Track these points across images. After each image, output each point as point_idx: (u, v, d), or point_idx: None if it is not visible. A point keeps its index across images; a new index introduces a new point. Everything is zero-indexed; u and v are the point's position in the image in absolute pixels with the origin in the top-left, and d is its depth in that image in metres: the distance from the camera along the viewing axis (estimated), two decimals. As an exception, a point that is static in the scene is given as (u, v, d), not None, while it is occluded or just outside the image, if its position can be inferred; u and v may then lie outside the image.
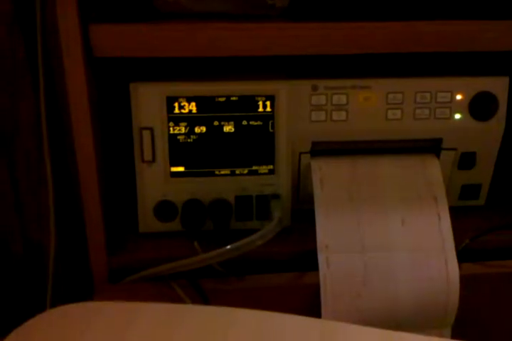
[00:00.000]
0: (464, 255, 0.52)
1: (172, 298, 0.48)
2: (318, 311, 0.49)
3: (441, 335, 0.51)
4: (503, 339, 0.56)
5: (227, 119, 0.52)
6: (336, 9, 0.51)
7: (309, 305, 0.49)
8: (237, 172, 0.53)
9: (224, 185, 0.53)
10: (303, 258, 0.52)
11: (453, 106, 0.54)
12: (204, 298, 0.48)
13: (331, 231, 0.51)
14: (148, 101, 0.50)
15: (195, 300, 0.48)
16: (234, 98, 0.51)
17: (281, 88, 0.51)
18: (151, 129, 0.51)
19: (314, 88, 0.52)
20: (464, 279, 0.50)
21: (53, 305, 0.40)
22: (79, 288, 0.59)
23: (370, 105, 0.53)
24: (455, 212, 0.53)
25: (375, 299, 0.49)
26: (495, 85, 0.54)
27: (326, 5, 0.51)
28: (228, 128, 0.52)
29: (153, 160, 0.52)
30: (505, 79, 0.54)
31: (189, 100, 0.51)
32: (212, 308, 0.38)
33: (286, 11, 0.52)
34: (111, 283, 0.51)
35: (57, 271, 0.57)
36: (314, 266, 0.49)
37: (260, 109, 0.52)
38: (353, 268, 0.50)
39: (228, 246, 0.47)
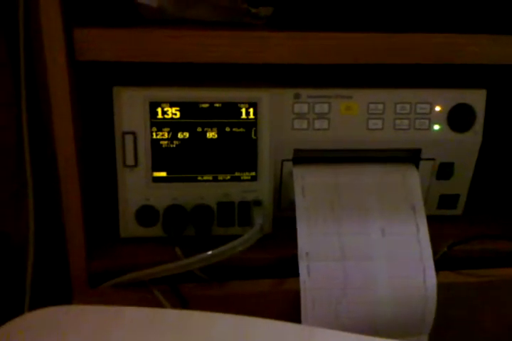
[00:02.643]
0: (441, 263, 0.53)
1: (152, 303, 0.47)
2: (298, 318, 0.49)
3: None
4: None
5: (211, 126, 0.52)
6: (320, 19, 0.52)
7: (289, 311, 0.49)
8: (220, 178, 0.53)
9: (206, 190, 0.53)
10: (283, 265, 0.52)
11: (432, 117, 0.55)
12: (184, 304, 0.48)
13: (311, 239, 0.51)
14: (131, 106, 0.50)
15: (175, 306, 0.48)
16: (217, 104, 0.51)
17: (264, 96, 0.52)
18: (134, 134, 0.51)
19: (297, 96, 0.53)
20: (442, 287, 0.51)
21: (31, 309, 0.39)
22: (58, 292, 0.59)
23: (352, 114, 0.54)
24: (433, 221, 0.54)
25: (354, 307, 0.50)
26: (473, 97, 0.55)
27: (311, 14, 0.52)
28: (211, 134, 0.52)
29: (136, 164, 0.52)
30: (483, 92, 0.55)
31: (172, 105, 0.51)
32: (192, 313, 0.37)
33: (271, 20, 0.53)
34: (90, 287, 0.50)
35: (36, 274, 0.56)
36: (295, 273, 0.50)
37: (243, 116, 0.52)
38: (333, 275, 0.50)
39: (209, 252, 0.47)
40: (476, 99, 0.55)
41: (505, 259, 0.57)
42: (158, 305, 0.47)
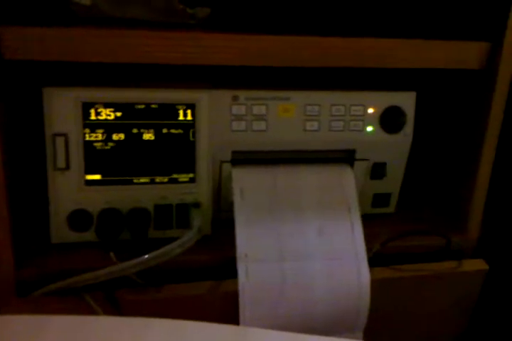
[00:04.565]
0: (375, 260, 0.54)
1: (86, 310, 0.46)
2: (237, 319, 0.49)
3: (353, 339, 0.53)
4: None
5: (147, 127, 0.51)
6: (257, 21, 0.52)
7: (228, 313, 0.49)
8: (157, 180, 0.53)
9: (143, 193, 0.52)
10: (222, 267, 0.52)
11: (365, 119, 0.56)
12: (118, 310, 0.47)
13: (250, 241, 0.51)
14: (62, 107, 0.49)
15: (110, 313, 0.46)
16: (154, 105, 0.51)
17: (202, 97, 0.52)
18: (65, 135, 0.49)
19: (235, 98, 0.53)
20: (375, 283, 0.52)
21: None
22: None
23: (289, 116, 0.55)
24: (368, 219, 0.56)
25: (292, 307, 0.50)
26: (403, 100, 0.57)
27: (248, 16, 0.52)
28: (148, 135, 0.51)
29: (67, 167, 0.50)
30: (413, 94, 0.58)
31: (106, 106, 0.50)
32: (124, 319, 0.37)
33: (208, 21, 0.53)
34: (20, 296, 0.48)
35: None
36: (234, 274, 0.50)
37: (181, 118, 0.52)
38: (272, 277, 0.50)
39: (146, 256, 0.46)
40: (406, 101, 0.57)
41: (436, 254, 0.59)
42: (92, 312, 0.46)
